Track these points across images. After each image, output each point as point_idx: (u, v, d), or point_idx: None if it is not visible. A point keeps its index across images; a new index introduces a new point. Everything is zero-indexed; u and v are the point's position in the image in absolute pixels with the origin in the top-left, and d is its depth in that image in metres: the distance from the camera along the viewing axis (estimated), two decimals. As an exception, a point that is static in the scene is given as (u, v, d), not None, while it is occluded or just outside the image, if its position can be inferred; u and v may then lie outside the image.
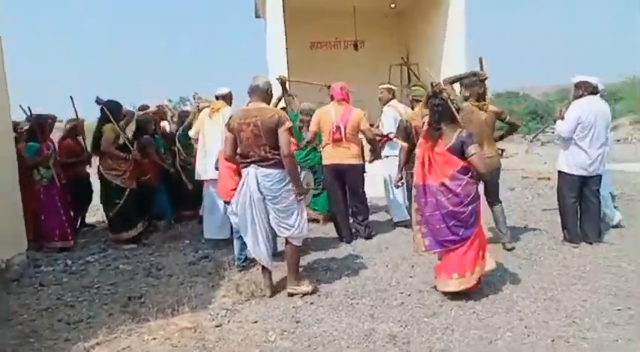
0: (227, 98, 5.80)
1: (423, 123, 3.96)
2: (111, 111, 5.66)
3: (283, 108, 6.41)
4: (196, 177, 5.83)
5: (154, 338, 3.31)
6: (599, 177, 5.09)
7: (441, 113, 3.73)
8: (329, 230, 5.89)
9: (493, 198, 5.06)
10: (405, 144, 4.83)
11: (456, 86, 5.03)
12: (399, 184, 4.83)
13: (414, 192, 3.87)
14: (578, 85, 5.05)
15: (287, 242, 4.01)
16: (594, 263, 4.53)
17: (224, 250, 5.31)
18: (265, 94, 3.99)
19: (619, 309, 3.53)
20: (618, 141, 18.00)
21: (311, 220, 6.38)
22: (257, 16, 12.43)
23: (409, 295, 3.92)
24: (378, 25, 12.27)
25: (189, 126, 6.14)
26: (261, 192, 3.83)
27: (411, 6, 11.53)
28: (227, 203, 4.62)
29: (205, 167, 5.56)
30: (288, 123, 3.83)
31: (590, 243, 5.04)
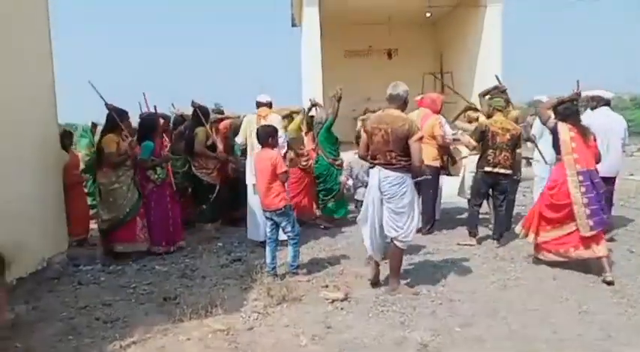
0: (270, 105, 5.96)
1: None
2: (203, 114, 6.12)
3: (311, 117, 6.68)
4: (247, 182, 5.92)
5: (188, 339, 3.38)
6: (614, 179, 5.77)
7: (579, 114, 4.73)
8: (359, 235, 5.89)
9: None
10: (474, 143, 5.60)
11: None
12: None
13: (579, 178, 4.48)
14: (593, 98, 5.85)
15: (392, 241, 4.17)
16: (630, 276, 4.43)
17: (256, 253, 5.38)
18: (402, 102, 4.19)
19: (657, 324, 3.45)
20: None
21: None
22: (293, 25, 12.60)
23: (440, 304, 3.90)
24: (412, 34, 12.27)
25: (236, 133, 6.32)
26: (380, 192, 4.08)
27: (446, 16, 11.49)
28: (265, 211, 4.68)
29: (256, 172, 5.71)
30: (420, 133, 4.06)
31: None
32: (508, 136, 5.39)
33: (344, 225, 6.59)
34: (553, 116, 4.75)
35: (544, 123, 4.86)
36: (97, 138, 7.27)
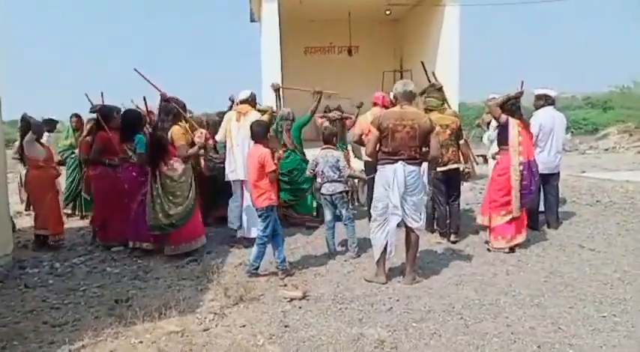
0: (250, 101, 5.86)
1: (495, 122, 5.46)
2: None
3: (272, 113, 6.60)
4: (226, 179, 5.81)
5: (141, 342, 3.28)
6: (558, 174, 6.16)
7: (520, 109, 5.17)
8: (318, 233, 5.89)
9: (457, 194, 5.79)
10: None
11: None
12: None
13: (520, 167, 5.07)
14: (539, 97, 6.04)
15: (411, 231, 4.33)
16: (581, 270, 4.56)
17: (213, 254, 5.29)
18: (413, 98, 4.47)
19: (604, 316, 3.57)
20: (607, 150, 18.11)
21: (298, 225, 6.41)
22: (252, 20, 12.47)
23: (397, 300, 3.92)
24: (372, 32, 12.35)
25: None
26: (405, 186, 4.19)
27: (406, 14, 11.61)
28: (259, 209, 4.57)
29: (235, 168, 5.64)
30: (438, 128, 4.44)
31: (549, 227, 6.02)
32: (449, 131, 5.51)
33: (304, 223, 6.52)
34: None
35: (497, 118, 5.27)
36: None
